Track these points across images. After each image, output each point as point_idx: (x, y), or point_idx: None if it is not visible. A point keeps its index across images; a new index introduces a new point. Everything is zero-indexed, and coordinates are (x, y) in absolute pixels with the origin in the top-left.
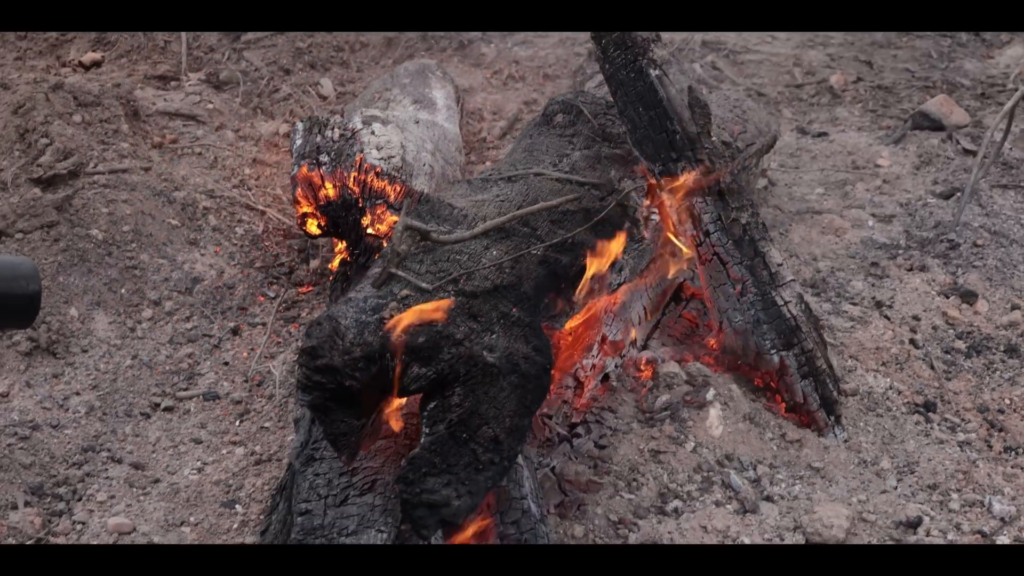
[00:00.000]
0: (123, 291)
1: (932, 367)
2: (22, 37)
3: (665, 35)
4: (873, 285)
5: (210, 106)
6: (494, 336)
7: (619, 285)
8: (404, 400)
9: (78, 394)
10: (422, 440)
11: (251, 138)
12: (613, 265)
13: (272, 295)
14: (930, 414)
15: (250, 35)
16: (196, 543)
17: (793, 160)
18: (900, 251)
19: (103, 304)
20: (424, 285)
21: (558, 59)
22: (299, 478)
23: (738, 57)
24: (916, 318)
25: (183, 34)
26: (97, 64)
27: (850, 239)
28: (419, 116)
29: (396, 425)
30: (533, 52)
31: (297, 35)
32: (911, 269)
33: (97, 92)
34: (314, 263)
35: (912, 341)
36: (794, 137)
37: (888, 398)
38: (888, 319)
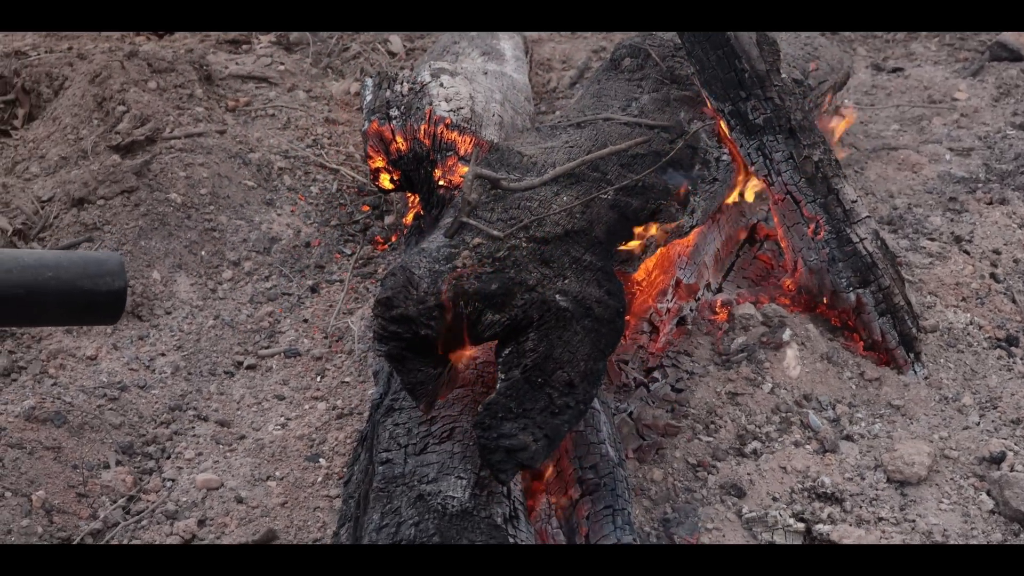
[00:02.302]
0: (203, 253)
1: (1014, 301)
2: None
3: None
4: (952, 220)
5: (281, 67)
6: (566, 281)
7: (691, 228)
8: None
9: (163, 355)
10: (498, 386)
11: (322, 97)
12: (685, 207)
13: (348, 252)
14: (1012, 348)
15: None
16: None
17: (868, 97)
18: (979, 185)
19: (184, 266)
20: (495, 233)
21: None
22: (379, 428)
23: None
24: (996, 252)
25: None
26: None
27: (927, 174)
28: (487, 67)
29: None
30: None
31: None
32: (991, 203)
33: (171, 58)
34: (389, 219)
35: (993, 275)
36: (869, 74)
37: (969, 333)
38: (968, 254)
